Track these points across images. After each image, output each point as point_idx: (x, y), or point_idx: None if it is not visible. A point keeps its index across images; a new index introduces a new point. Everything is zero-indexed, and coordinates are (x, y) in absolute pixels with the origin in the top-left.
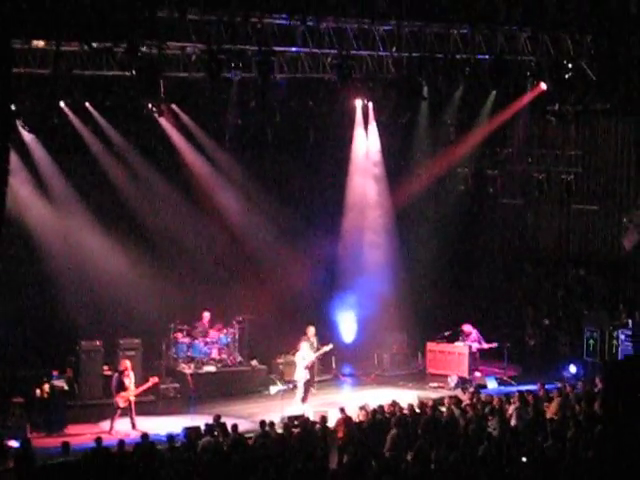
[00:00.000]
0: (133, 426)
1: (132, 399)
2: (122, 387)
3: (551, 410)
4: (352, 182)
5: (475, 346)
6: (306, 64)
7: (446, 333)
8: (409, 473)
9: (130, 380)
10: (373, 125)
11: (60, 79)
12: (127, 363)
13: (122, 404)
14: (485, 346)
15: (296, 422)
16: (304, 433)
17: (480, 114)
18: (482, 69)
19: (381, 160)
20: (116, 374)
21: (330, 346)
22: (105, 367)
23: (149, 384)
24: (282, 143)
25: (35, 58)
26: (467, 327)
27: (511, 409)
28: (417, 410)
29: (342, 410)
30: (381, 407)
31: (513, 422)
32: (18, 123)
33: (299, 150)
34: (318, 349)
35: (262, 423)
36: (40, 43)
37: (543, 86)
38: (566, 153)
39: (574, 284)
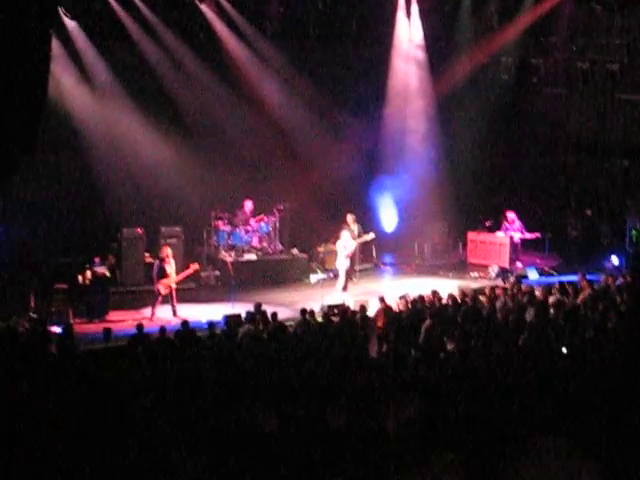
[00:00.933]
0: (174, 313)
1: (173, 286)
2: (163, 274)
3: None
4: (394, 70)
5: (517, 236)
6: None
7: (487, 223)
8: (448, 362)
9: (171, 267)
10: (415, 12)
11: None
12: (168, 250)
13: (163, 291)
14: (527, 236)
15: (336, 311)
16: (344, 322)
17: (524, 1)
18: None
19: (423, 48)
20: (157, 261)
21: (371, 235)
22: (147, 254)
23: (190, 271)
24: (324, 31)
25: None
26: (511, 214)
27: (551, 299)
28: (457, 300)
29: (382, 299)
30: (421, 297)
31: (553, 312)
32: (60, 10)
33: (341, 38)
34: (359, 237)
35: (303, 311)
36: None
37: None
38: (611, 42)
39: (617, 175)
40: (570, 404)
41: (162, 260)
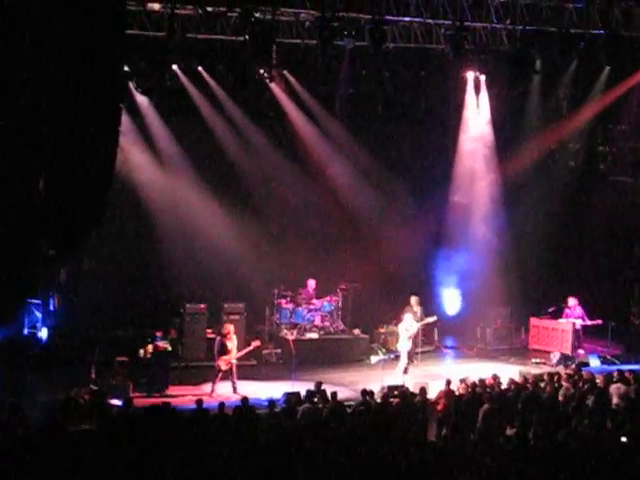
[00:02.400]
0: (234, 390)
1: (234, 362)
2: (224, 350)
3: None
4: (461, 154)
5: (579, 323)
6: (419, 34)
7: (550, 309)
8: (506, 448)
9: (232, 344)
10: (484, 97)
11: (174, 42)
12: (230, 327)
13: (224, 367)
14: (589, 323)
15: (396, 392)
16: (403, 403)
17: (593, 89)
18: (597, 44)
19: (491, 133)
20: (219, 337)
21: (434, 317)
22: (209, 330)
23: (251, 347)
24: (392, 113)
25: (150, 21)
26: (572, 300)
27: (612, 388)
28: (518, 385)
29: (448, 382)
30: (482, 381)
31: (615, 401)
32: (131, 84)
33: (409, 120)
34: (422, 320)
35: (364, 392)
36: (155, 6)
37: None
38: None
39: None
40: None
41: (224, 336)
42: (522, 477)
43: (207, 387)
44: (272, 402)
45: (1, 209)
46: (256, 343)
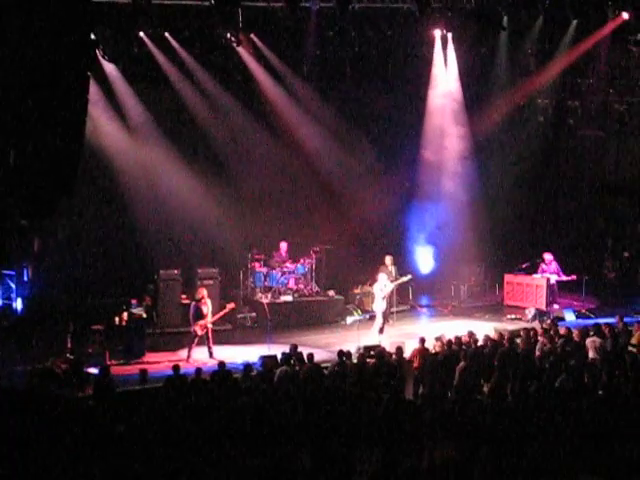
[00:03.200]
0: (210, 354)
1: (210, 327)
2: (200, 315)
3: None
4: (431, 111)
5: (553, 278)
6: None
7: (524, 265)
8: (485, 405)
9: (207, 308)
10: (452, 55)
11: (139, 9)
12: (204, 291)
13: (200, 332)
14: (564, 278)
15: (372, 352)
16: (380, 363)
17: (560, 44)
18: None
19: (460, 90)
20: (194, 302)
21: (408, 276)
22: (183, 296)
23: (226, 310)
24: (360, 73)
25: None
26: (548, 256)
27: (588, 341)
28: (494, 341)
29: (422, 341)
30: (457, 338)
31: (591, 355)
32: (98, 52)
33: (377, 80)
34: (396, 279)
35: (340, 353)
36: None
37: (625, 16)
38: None
39: None
40: (605, 443)
41: (198, 301)
42: (499, 433)
43: (183, 353)
44: (248, 366)
45: None
46: (230, 306)
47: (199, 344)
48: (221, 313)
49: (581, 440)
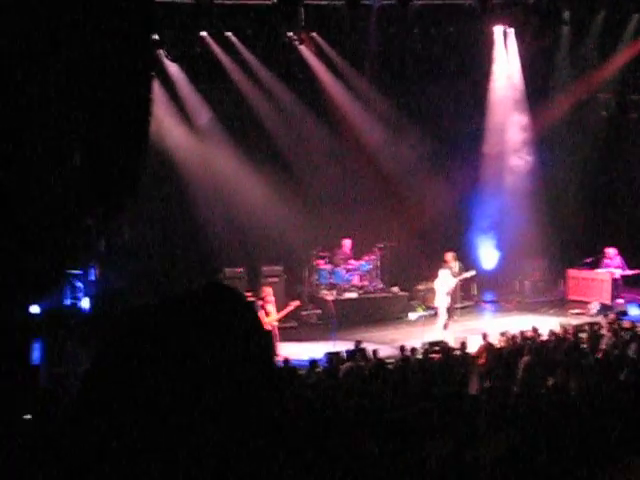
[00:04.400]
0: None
1: (274, 324)
2: (264, 314)
3: None
4: (492, 106)
5: (618, 272)
6: None
7: (588, 259)
8: (549, 399)
9: (272, 306)
10: (513, 50)
11: (202, 9)
12: (269, 290)
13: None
14: (628, 273)
15: (436, 348)
16: (444, 359)
17: (622, 38)
18: None
19: (521, 85)
20: (259, 301)
21: (472, 272)
22: (248, 294)
23: (291, 307)
24: (421, 70)
25: None
26: (612, 250)
27: None
28: (558, 336)
29: (485, 336)
30: (522, 333)
31: None
32: (161, 52)
33: (439, 76)
34: (459, 274)
35: (402, 348)
36: None
37: None
38: None
39: None
40: None
41: (262, 299)
42: (564, 427)
43: None
44: (314, 362)
45: (40, 183)
46: (295, 303)
47: None
48: (286, 311)
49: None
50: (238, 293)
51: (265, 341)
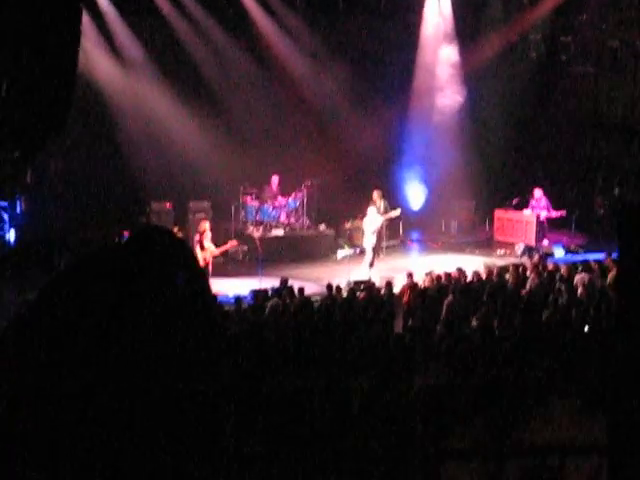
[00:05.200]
0: None
1: (209, 259)
2: (201, 248)
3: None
4: (423, 45)
5: (543, 214)
6: None
7: (514, 201)
8: (472, 338)
9: (208, 241)
10: None
11: None
12: (206, 224)
13: (201, 264)
14: (553, 214)
15: (362, 287)
16: (370, 297)
17: None
18: None
19: (452, 23)
20: (197, 235)
21: (398, 211)
22: (175, 229)
23: (228, 246)
24: (352, 6)
25: None
26: (538, 192)
27: (577, 278)
28: (482, 276)
29: (409, 275)
30: (447, 273)
31: (580, 291)
32: None
33: (370, 12)
34: (386, 213)
35: (329, 286)
36: None
37: None
38: None
39: None
40: (581, 370)
41: (201, 234)
42: (487, 367)
43: None
44: (239, 299)
45: None
46: (233, 242)
47: None
48: (224, 248)
49: (561, 371)
50: (171, 235)
51: (202, 283)
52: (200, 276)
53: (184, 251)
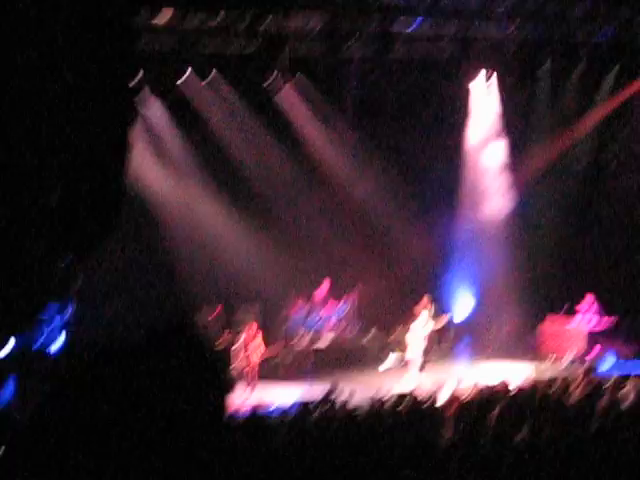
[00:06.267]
0: (252, 388)
1: (256, 362)
2: (246, 350)
3: None
4: (470, 154)
5: (594, 322)
6: (426, 40)
7: (564, 309)
8: (520, 449)
9: (257, 344)
10: (493, 101)
11: (185, 49)
12: (254, 326)
13: (255, 358)
14: (604, 322)
15: (408, 396)
16: (416, 407)
17: (600, 93)
18: (603, 47)
19: (500, 133)
20: (243, 337)
21: (447, 317)
22: (226, 332)
23: (271, 352)
24: (402, 116)
25: (160, 30)
26: (589, 299)
27: (628, 388)
28: (530, 387)
29: (456, 384)
30: (492, 385)
31: (627, 402)
32: (145, 91)
33: (419, 123)
34: (436, 319)
35: (374, 395)
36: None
37: None
38: None
39: None
40: None
41: (248, 337)
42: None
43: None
44: (282, 411)
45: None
46: (276, 348)
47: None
48: (266, 353)
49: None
50: (201, 341)
51: (219, 394)
52: (219, 390)
53: (215, 360)
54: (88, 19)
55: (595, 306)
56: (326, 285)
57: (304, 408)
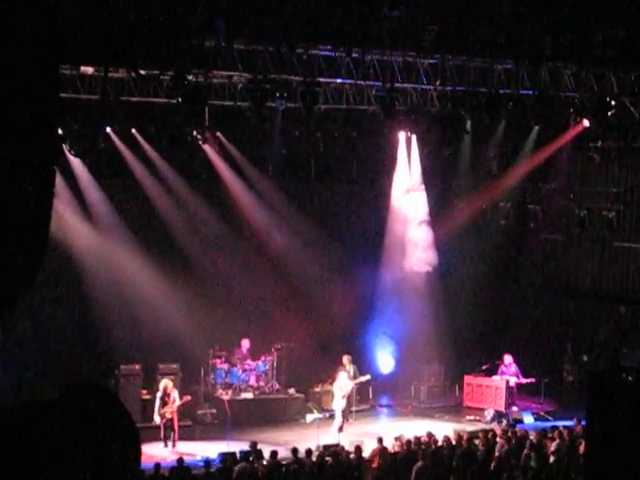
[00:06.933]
0: (173, 444)
1: (171, 415)
2: (163, 404)
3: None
4: (394, 212)
5: (513, 380)
6: (350, 95)
7: (484, 367)
8: None
9: (175, 395)
10: (416, 157)
11: (107, 105)
12: (167, 383)
13: (169, 415)
14: (523, 381)
15: (331, 451)
16: (339, 462)
17: (523, 149)
18: (525, 104)
19: (423, 190)
20: (159, 394)
21: (368, 376)
22: (144, 391)
23: (183, 401)
24: (325, 173)
25: (83, 84)
26: (508, 358)
27: (552, 446)
28: (452, 442)
29: (380, 440)
30: (416, 438)
31: (552, 458)
32: (64, 147)
33: (341, 181)
34: (356, 378)
35: (294, 451)
36: (89, 69)
37: (586, 123)
38: (608, 190)
39: (613, 321)
40: None
41: (164, 392)
42: None
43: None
44: (208, 462)
45: None
46: (187, 398)
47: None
48: (178, 403)
49: None
50: (111, 396)
51: (131, 445)
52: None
53: (122, 414)
54: (9, 60)
55: (514, 365)
56: (246, 343)
57: (229, 458)
